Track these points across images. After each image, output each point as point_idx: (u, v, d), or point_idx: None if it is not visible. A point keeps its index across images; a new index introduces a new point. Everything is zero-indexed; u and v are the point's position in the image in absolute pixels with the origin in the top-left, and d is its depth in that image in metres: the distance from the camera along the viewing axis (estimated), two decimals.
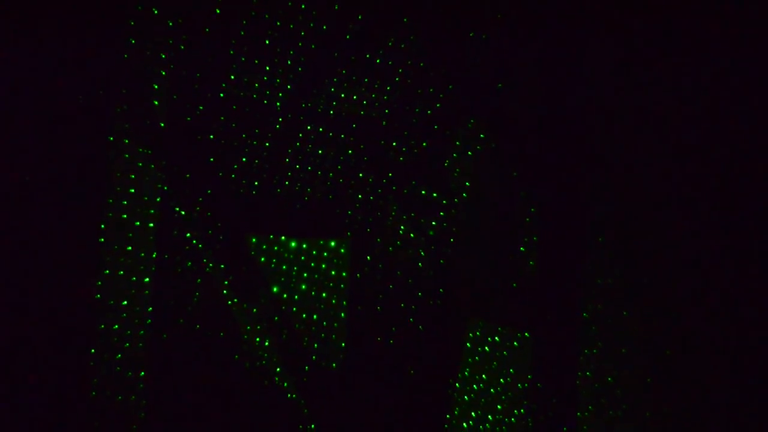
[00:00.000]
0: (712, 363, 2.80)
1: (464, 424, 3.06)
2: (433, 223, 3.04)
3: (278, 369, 2.97)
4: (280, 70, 2.98)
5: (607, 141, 2.99)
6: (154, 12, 2.91)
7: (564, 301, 2.95)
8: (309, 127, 3.02)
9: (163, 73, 2.93)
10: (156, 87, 2.93)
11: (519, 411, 2.98)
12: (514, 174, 3.04)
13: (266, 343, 2.97)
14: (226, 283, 2.95)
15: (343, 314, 3.03)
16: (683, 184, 2.90)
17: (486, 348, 3.06)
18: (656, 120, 2.94)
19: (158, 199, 2.93)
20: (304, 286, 3.02)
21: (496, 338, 3.04)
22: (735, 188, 2.85)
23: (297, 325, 3.01)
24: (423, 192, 3.05)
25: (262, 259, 3.01)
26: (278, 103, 3.00)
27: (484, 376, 3.05)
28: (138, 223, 2.92)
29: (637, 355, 2.88)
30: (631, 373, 2.89)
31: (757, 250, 2.78)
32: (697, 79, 2.92)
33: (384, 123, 3.04)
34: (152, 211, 2.93)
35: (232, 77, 2.97)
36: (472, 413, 3.05)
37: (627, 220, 2.95)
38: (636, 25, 2.93)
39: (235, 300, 2.96)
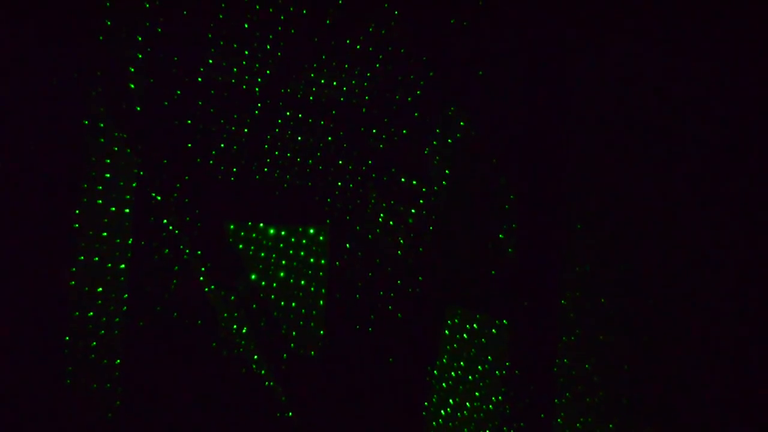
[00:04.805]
0: (690, 349, 2.83)
1: (442, 411, 3.07)
2: (413, 210, 3.04)
3: (256, 356, 2.96)
4: (259, 55, 2.95)
5: (586, 128, 3.01)
6: None
7: (542, 289, 2.97)
8: (288, 114, 3.00)
9: (140, 56, 2.88)
10: (132, 70, 2.88)
11: (497, 398, 3.00)
12: (494, 161, 3.05)
13: (244, 331, 2.95)
14: (203, 270, 2.92)
15: (321, 302, 3.03)
16: (661, 171, 2.93)
17: (464, 335, 3.07)
18: (633, 108, 2.97)
19: (134, 185, 2.89)
20: (282, 274, 3.01)
21: (475, 325, 3.06)
22: (712, 174, 2.89)
23: (275, 313, 3.00)
24: (403, 179, 3.04)
25: (240, 246, 2.98)
26: (257, 89, 2.97)
27: (462, 363, 3.07)
28: (113, 209, 2.87)
29: (614, 342, 2.91)
30: (609, 359, 2.92)
31: (734, 235, 2.82)
32: (674, 69, 2.95)
33: (364, 110, 3.03)
34: (128, 197, 2.88)
35: (210, 61, 2.93)
36: (450, 400, 3.07)
37: (605, 207, 2.98)
38: (616, 14, 2.94)
39: (213, 287, 2.93)
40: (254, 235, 2.99)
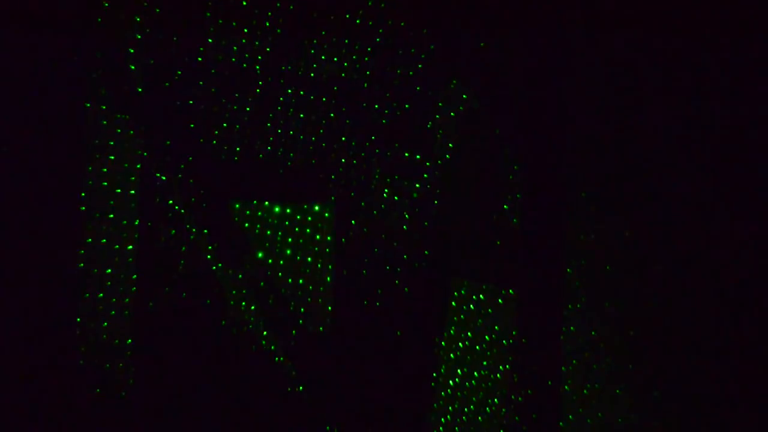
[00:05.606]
0: (697, 316, 2.85)
1: (450, 381, 3.10)
2: (417, 185, 3.05)
3: (265, 333, 2.98)
4: (259, 33, 2.94)
5: (590, 97, 3.00)
6: None
7: (547, 258, 2.99)
8: (290, 91, 2.99)
9: (139, 36, 2.87)
10: (132, 51, 2.87)
11: (504, 367, 3.03)
12: (497, 132, 3.05)
13: (252, 308, 2.98)
14: (210, 249, 2.94)
15: (328, 278, 3.05)
16: (669, 140, 2.92)
17: (471, 306, 3.10)
18: (640, 79, 2.96)
19: (138, 166, 2.89)
20: (289, 251, 3.02)
21: (481, 296, 3.08)
22: (717, 151, 2.88)
23: (283, 290, 3.02)
24: (406, 154, 3.05)
25: (246, 224, 2.99)
26: (257, 67, 2.96)
27: (469, 333, 3.09)
28: (119, 191, 2.88)
29: (620, 309, 2.93)
30: (615, 326, 2.94)
31: (744, 210, 2.83)
32: (673, 55, 2.93)
33: (365, 85, 3.02)
34: (133, 178, 2.89)
35: (210, 41, 2.92)
36: (458, 371, 3.10)
37: (610, 174, 2.98)
38: None
39: (220, 266, 2.95)
40: (260, 213, 3.00)
